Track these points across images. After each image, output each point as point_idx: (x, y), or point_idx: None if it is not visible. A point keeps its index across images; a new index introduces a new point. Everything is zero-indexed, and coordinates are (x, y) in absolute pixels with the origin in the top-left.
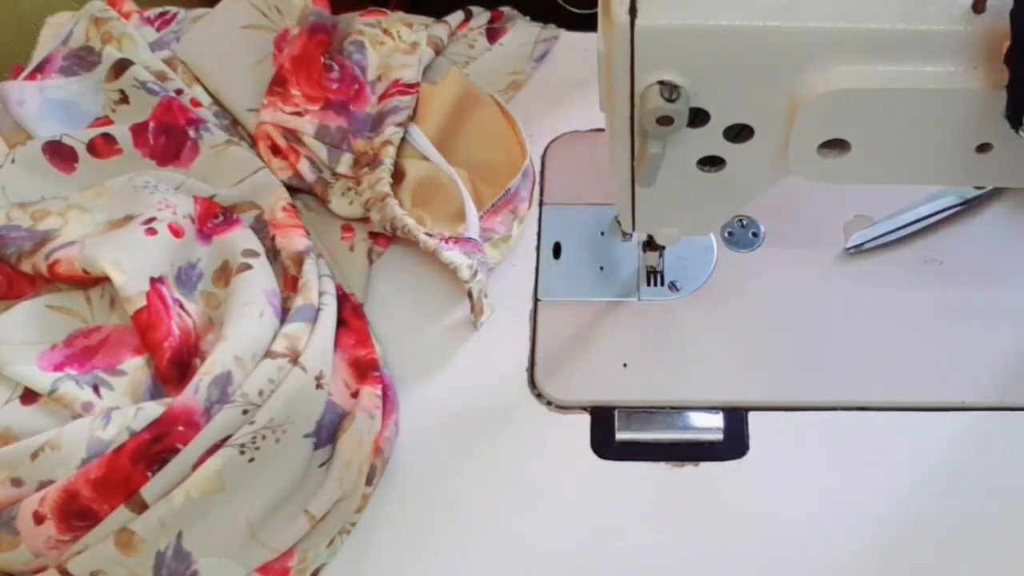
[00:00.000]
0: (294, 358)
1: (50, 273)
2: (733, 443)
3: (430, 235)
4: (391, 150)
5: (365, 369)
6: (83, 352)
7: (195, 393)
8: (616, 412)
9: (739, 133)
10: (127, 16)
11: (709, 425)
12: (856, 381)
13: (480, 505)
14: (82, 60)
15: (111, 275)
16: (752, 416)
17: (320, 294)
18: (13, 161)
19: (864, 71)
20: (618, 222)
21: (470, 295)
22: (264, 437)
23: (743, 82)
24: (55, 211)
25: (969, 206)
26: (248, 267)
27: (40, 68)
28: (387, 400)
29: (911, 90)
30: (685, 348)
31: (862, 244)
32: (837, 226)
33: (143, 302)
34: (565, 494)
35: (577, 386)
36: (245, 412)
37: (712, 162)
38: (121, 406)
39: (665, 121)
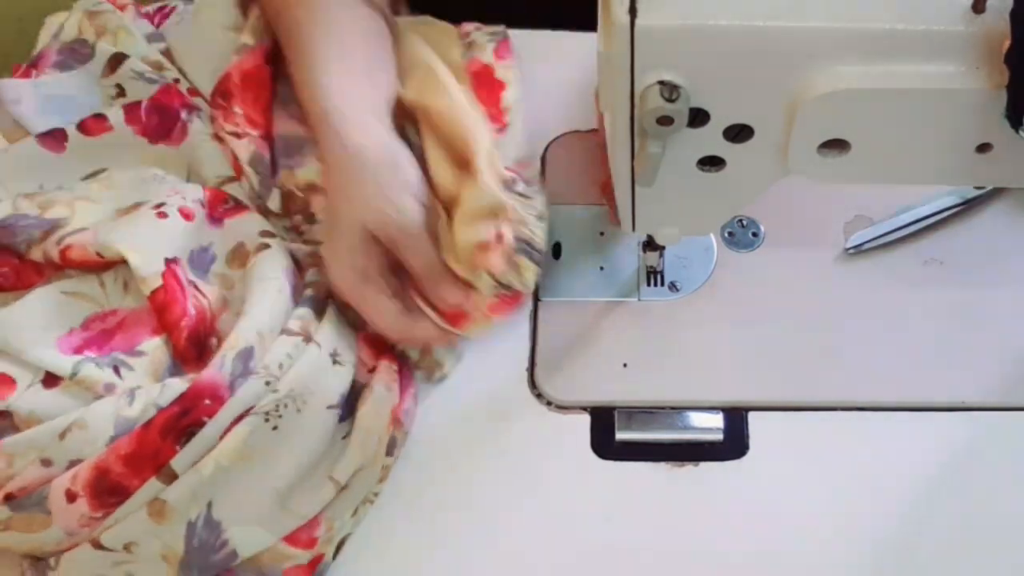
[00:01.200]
0: (307, 338)
1: (62, 259)
2: (733, 443)
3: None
4: (322, 202)
5: (382, 346)
6: (101, 335)
7: (220, 368)
8: (616, 412)
9: (739, 133)
10: (122, 9)
11: (709, 425)
12: (856, 381)
13: (480, 505)
14: (75, 52)
15: (127, 257)
16: (752, 416)
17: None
18: (6, 151)
19: (864, 71)
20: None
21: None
22: (286, 406)
23: (743, 82)
24: (62, 200)
25: (969, 206)
26: (267, 246)
27: (34, 64)
28: (403, 375)
29: (911, 90)
30: (685, 348)
31: (862, 244)
32: (837, 226)
33: (159, 282)
34: (565, 494)
35: (577, 386)
36: (268, 383)
37: (712, 162)
38: (143, 385)
39: (665, 121)
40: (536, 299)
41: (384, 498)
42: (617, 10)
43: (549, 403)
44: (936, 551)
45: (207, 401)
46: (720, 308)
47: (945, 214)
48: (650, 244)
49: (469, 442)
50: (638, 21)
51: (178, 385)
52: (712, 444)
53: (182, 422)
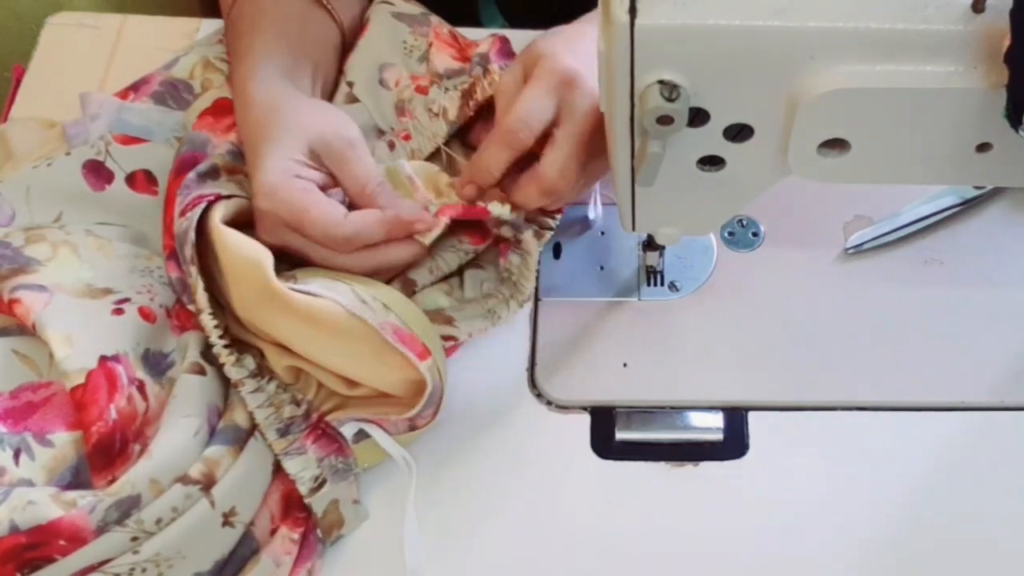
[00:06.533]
0: (207, 485)
1: (8, 308)
2: (733, 443)
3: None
4: (209, 323)
5: (291, 505)
6: (25, 408)
7: (90, 513)
8: (616, 412)
9: (739, 133)
10: None
11: (709, 425)
12: (856, 381)
13: (480, 505)
14: (176, 92)
15: (54, 348)
16: (752, 416)
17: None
18: (49, 165)
19: (864, 71)
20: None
21: None
22: (144, 570)
23: (743, 82)
24: (50, 240)
25: (969, 206)
26: (202, 371)
27: (135, 87)
28: (305, 545)
29: (911, 90)
30: (685, 348)
31: (862, 244)
32: (837, 226)
33: (82, 380)
34: (565, 494)
35: (577, 386)
36: (134, 539)
37: (712, 162)
38: (35, 481)
39: (665, 121)
40: (536, 299)
41: (382, 497)
42: (617, 10)
43: (549, 403)
44: (935, 550)
45: (62, 542)
46: (720, 308)
47: (945, 214)
48: (650, 244)
49: (469, 442)
50: (638, 21)
51: (44, 510)
52: (712, 444)
53: (27, 554)
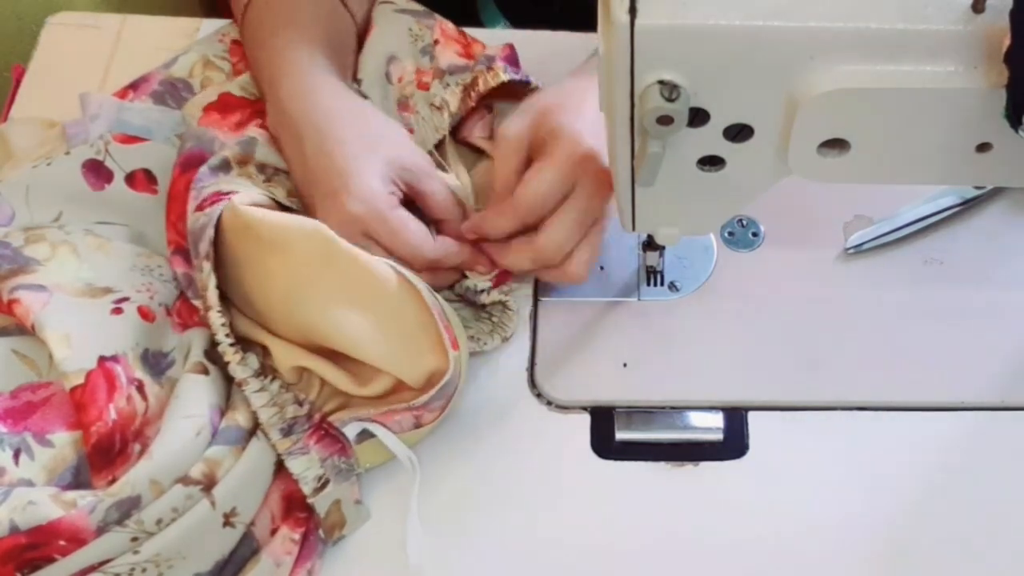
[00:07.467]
0: (208, 486)
1: (8, 308)
2: (733, 443)
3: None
4: (217, 320)
5: (292, 505)
6: (24, 408)
7: (90, 513)
8: (616, 412)
9: (739, 133)
10: (238, 71)
11: (709, 425)
12: (856, 381)
13: (479, 505)
14: (175, 91)
15: (53, 348)
16: (752, 416)
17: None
18: (49, 165)
19: (864, 71)
20: None
21: None
22: (144, 570)
23: (743, 82)
24: (50, 239)
25: (969, 206)
26: (205, 371)
27: (134, 86)
28: (305, 545)
29: (911, 90)
30: (685, 348)
31: (862, 244)
32: (837, 226)
33: (81, 380)
34: (565, 494)
35: (577, 386)
36: (134, 540)
37: (712, 162)
38: (35, 481)
39: (665, 121)
40: (536, 299)
41: (382, 498)
42: (617, 10)
43: (549, 403)
44: (936, 551)
45: (62, 542)
46: (720, 308)
47: (945, 214)
48: (650, 244)
49: (469, 442)
50: (638, 21)
51: (45, 510)
52: (712, 444)
53: (27, 554)
